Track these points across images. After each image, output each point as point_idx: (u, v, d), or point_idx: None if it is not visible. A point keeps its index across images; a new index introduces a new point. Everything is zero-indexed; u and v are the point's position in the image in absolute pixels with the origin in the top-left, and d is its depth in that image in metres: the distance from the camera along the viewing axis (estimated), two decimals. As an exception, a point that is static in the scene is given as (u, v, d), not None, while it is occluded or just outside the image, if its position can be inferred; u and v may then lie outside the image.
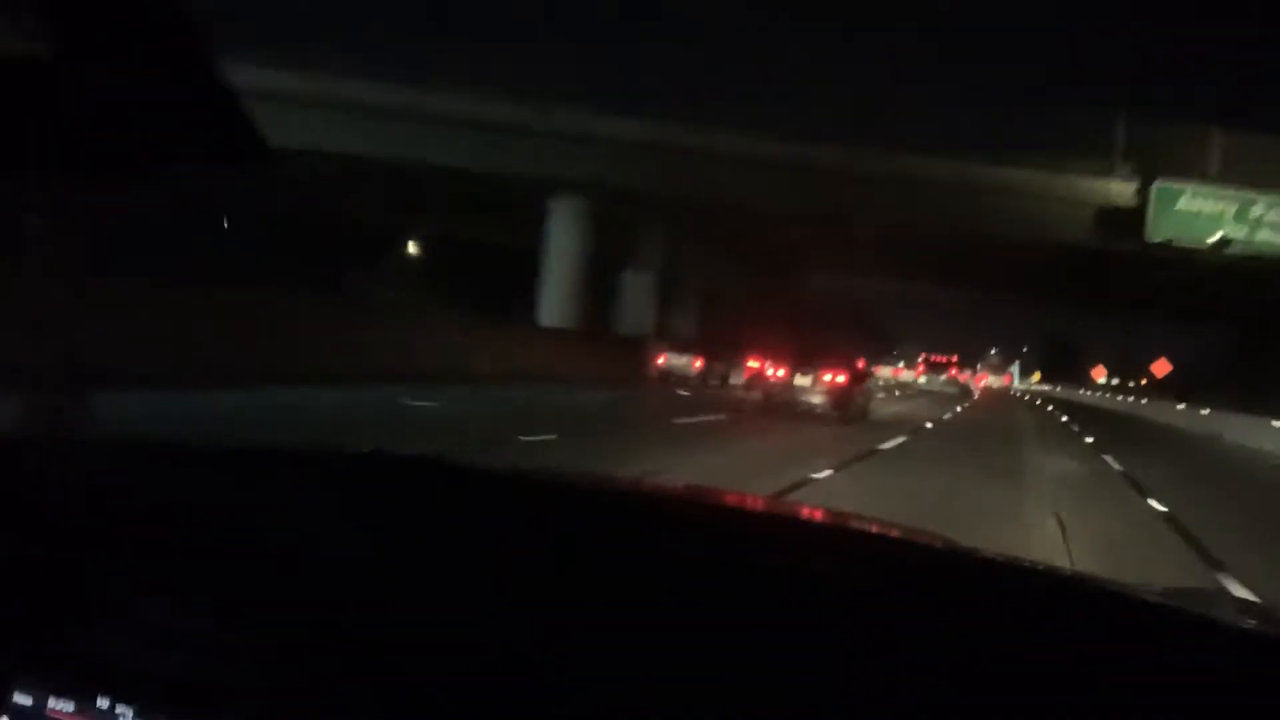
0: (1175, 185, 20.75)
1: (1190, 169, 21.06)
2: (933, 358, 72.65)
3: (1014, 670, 0.75)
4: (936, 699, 0.71)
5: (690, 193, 21.69)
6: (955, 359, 76.12)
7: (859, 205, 21.96)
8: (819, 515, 1.38)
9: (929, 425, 18.02)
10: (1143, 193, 20.91)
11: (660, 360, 22.98)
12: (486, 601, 0.83)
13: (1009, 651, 0.78)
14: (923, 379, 52.56)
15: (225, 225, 18.24)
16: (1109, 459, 13.59)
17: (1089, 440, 18.06)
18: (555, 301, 22.84)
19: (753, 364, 17.28)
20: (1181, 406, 33.09)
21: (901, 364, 45.87)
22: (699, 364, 23.28)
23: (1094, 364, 65.86)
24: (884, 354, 59.31)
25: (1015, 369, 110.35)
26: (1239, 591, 4.73)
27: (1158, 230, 20.84)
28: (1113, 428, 24.53)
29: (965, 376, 68.47)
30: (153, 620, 0.78)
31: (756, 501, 1.38)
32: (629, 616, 0.81)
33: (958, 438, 16.05)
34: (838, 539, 1.12)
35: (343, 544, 0.90)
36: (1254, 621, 1.08)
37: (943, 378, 61.00)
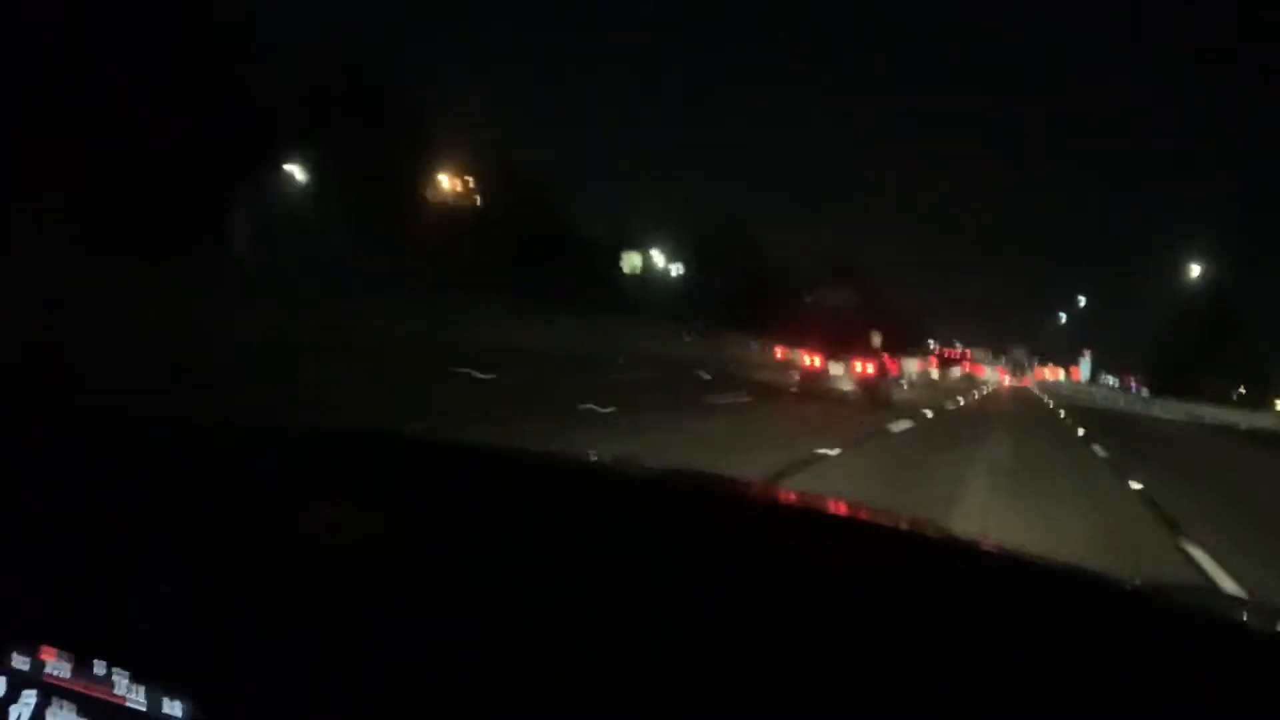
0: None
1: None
2: (946, 353, 76.73)
3: (1009, 660, 0.74)
4: (933, 688, 0.71)
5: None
6: (968, 353, 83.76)
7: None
8: (813, 503, 1.37)
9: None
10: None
11: (780, 353, 30.57)
12: (465, 574, 0.85)
13: (1004, 642, 0.77)
14: (934, 373, 52.80)
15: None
16: None
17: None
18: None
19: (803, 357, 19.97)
20: None
21: (918, 358, 46.33)
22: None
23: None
24: (917, 344, 59.20)
25: (1086, 360, 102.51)
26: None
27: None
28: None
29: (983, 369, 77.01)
30: (147, 590, 0.80)
31: (749, 487, 1.37)
32: (615, 600, 0.81)
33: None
34: (835, 528, 1.11)
35: (332, 520, 0.93)
36: (1244, 617, 1.05)
37: (956, 372, 65.05)
